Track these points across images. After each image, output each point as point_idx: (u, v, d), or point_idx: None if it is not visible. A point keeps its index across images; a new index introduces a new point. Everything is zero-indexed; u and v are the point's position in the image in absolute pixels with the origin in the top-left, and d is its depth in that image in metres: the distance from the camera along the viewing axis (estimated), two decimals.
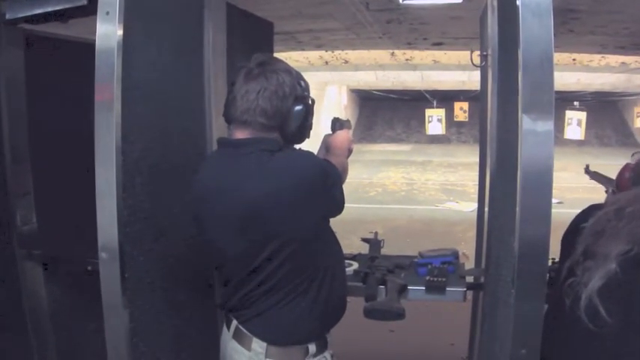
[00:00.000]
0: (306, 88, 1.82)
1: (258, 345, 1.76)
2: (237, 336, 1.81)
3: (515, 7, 1.46)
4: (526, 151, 1.45)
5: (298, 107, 1.76)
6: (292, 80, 1.76)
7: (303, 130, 1.81)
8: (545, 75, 1.44)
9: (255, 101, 1.70)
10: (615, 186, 2.02)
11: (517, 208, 1.46)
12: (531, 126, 1.44)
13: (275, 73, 1.73)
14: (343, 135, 2.12)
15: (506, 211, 1.68)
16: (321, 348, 1.82)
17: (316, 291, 1.77)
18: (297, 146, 1.85)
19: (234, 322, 1.82)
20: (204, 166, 1.86)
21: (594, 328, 1.55)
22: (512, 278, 1.48)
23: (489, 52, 2.21)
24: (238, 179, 1.69)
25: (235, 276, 1.77)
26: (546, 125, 1.44)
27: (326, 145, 2.10)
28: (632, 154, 1.93)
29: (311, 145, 1.86)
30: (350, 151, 2.10)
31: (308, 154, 1.78)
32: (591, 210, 1.78)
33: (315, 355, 1.80)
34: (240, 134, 1.75)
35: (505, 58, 1.98)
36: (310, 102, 1.82)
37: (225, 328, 1.88)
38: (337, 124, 2.15)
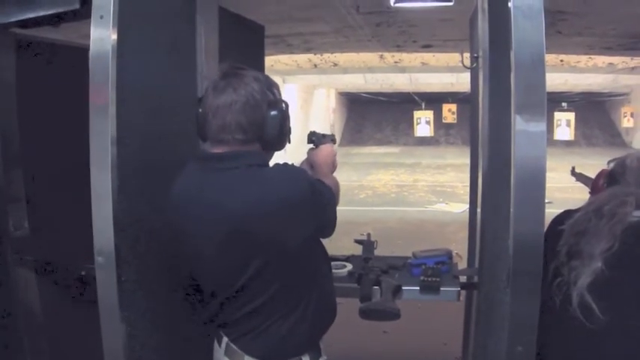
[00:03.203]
0: (277, 94, 1.75)
1: None
2: (229, 353, 1.78)
3: (507, 9, 1.47)
4: (519, 151, 1.46)
5: (273, 113, 1.69)
6: (261, 86, 1.68)
7: (282, 135, 1.74)
8: (537, 76, 1.45)
9: (227, 117, 1.64)
10: (591, 190, 2.08)
11: (511, 208, 1.47)
12: (524, 126, 1.45)
13: (242, 82, 1.66)
14: (328, 149, 2.04)
15: (500, 211, 1.70)
16: (315, 356, 1.81)
17: (304, 306, 1.74)
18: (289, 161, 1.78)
19: (225, 339, 1.79)
20: (183, 181, 1.75)
21: (589, 325, 1.58)
22: (507, 276, 1.50)
23: (480, 53, 2.23)
24: (222, 195, 1.63)
25: (220, 293, 1.73)
26: (539, 126, 1.46)
27: (309, 161, 2.04)
28: (608, 162, 1.98)
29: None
30: (334, 167, 2.04)
31: (297, 170, 1.72)
32: (567, 213, 1.84)
33: None
34: (220, 150, 1.69)
35: (496, 60, 1.99)
36: (284, 106, 1.74)
37: (216, 344, 1.84)
38: (314, 137, 2.07)
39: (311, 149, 2.06)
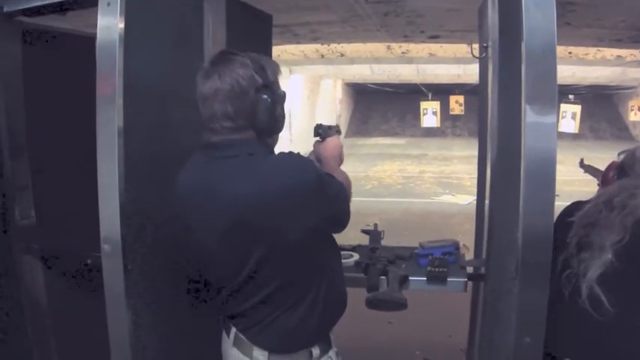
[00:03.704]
0: (269, 77, 1.67)
1: (259, 353, 1.72)
2: (238, 343, 1.76)
3: None
4: (529, 142, 1.45)
5: (262, 98, 1.63)
6: (247, 72, 1.62)
7: (275, 120, 1.69)
8: (548, 66, 1.44)
9: (214, 106, 1.61)
10: (600, 183, 2.07)
11: (520, 200, 1.47)
12: (534, 118, 1.45)
13: (228, 69, 1.61)
14: (334, 142, 1.99)
15: (509, 203, 1.69)
16: (325, 348, 1.79)
17: (312, 299, 1.71)
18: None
19: (234, 330, 1.77)
20: (186, 171, 1.74)
21: (599, 317, 1.57)
22: (516, 268, 1.49)
23: (490, 43, 2.21)
24: (222, 185, 1.61)
25: (226, 285, 1.71)
26: (549, 117, 1.45)
27: (316, 154, 1.99)
28: (619, 154, 1.97)
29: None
30: (341, 160, 2.00)
31: (303, 160, 1.66)
32: (576, 205, 1.83)
33: (319, 357, 1.76)
34: (216, 139, 1.66)
35: (505, 50, 1.98)
36: (275, 89, 1.68)
37: (224, 334, 1.82)
38: (320, 130, 2.01)
39: (317, 142, 2.01)
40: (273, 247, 1.61)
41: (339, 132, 2.06)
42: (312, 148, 2.03)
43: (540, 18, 1.43)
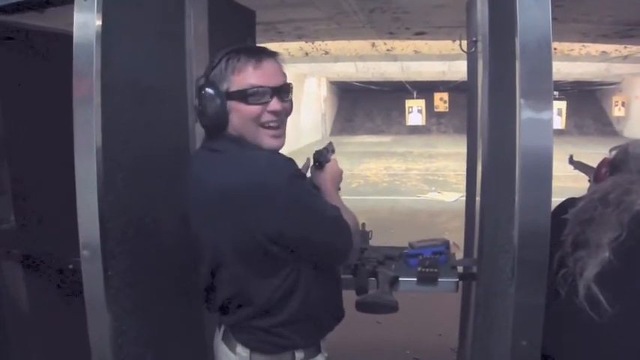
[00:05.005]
0: (221, 73, 1.64)
1: (242, 350, 1.72)
2: (226, 338, 1.77)
3: None
4: (525, 138, 1.41)
5: (202, 93, 1.63)
6: (210, 67, 1.66)
7: (213, 116, 1.64)
8: (543, 61, 1.41)
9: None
10: (593, 179, 2.04)
11: (516, 197, 1.42)
12: (530, 114, 1.41)
13: (210, 64, 1.69)
14: (334, 167, 1.90)
15: (501, 200, 1.65)
16: (311, 353, 1.75)
17: (299, 303, 1.66)
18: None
19: (223, 325, 1.79)
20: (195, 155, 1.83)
21: (596, 317, 1.54)
22: (512, 268, 1.45)
23: (479, 38, 2.17)
24: (200, 173, 1.65)
25: (210, 277, 1.71)
26: (545, 112, 1.41)
27: (317, 183, 1.88)
28: (610, 150, 1.95)
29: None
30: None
31: (279, 162, 1.59)
32: (570, 202, 1.81)
33: None
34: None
35: (495, 44, 1.94)
36: (220, 86, 1.63)
37: (217, 329, 1.84)
38: (320, 157, 1.89)
39: (315, 169, 1.89)
40: (235, 244, 1.60)
41: (333, 150, 1.97)
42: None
43: (535, 11, 1.39)
